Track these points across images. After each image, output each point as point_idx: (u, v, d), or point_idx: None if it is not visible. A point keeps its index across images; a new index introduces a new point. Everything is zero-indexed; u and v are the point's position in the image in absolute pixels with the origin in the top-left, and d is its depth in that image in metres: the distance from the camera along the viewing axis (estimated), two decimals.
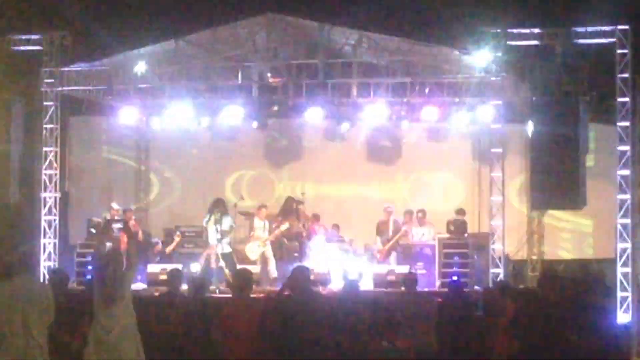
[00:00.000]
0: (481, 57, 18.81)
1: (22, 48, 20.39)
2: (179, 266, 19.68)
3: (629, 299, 18.17)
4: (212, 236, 19.38)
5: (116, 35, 21.43)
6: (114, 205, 21.03)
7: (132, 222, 20.65)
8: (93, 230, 20.77)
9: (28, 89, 21.48)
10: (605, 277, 18.52)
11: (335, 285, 18.47)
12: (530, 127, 18.64)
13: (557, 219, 21.91)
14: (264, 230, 20.34)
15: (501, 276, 18.48)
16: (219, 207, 19.46)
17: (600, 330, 11.31)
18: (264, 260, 20.04)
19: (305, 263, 18.81)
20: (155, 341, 11.87)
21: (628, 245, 18.42)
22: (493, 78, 18.82)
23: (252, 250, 20.23)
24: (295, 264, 18.97)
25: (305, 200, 21.89)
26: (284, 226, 20.49)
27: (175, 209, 23.77)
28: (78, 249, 20.47)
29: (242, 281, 11.03)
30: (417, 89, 20.11)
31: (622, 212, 18.48)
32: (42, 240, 20.07)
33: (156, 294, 15.90)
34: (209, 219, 19.39)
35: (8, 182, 21.57)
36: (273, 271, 19.88)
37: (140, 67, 19.98)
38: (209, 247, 19.71)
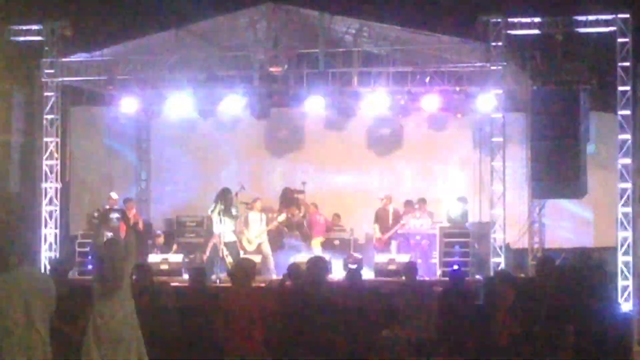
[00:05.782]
0: (482, 46, 18.82)
1: (23, 38, 20.42)
2: (180, 256, 19.81)
3: (630, 287, 18.23)
4: (217, 225, 19.39)
5: (116, 25, 21.44)
6: (113, 195, 21.04)
7: (133, 212, 20.68)
8: (94, 220, 20.80)
9: (28, 80, 21.49)
10: (606, 266, 18.53)
11: (336, 274, 18.48)
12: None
13: (558, 208, 21.88)
14: (260, 223, 20.31)
15: (502, 265, 18.48)
16: (225, 196, 19.45)
17: (602, 318, 11.30)
18: (262, 254, 20.00)
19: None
20: (157, 331, 11.92)
21: (629, 234, 18.47)
22: (494, 67, 18.80)
23: (250, 242, 20.22)
24: (297, 255, 19.26)
25: (305, 189, 21.92)
26: (281, 217, 20.54)
27: (176, 198, 23.76)
28: (79, 239, 20.49)
29: (244, 271, 11.04)
30: (417, 78, 20.09)
31: (623, 201, 18.54)
32: (43, 231, 20.10)
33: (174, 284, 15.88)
34: (215, 208, 19.40)
35: (9, 173, 21.58)
36: (272, 268, 19.86)
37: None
38: (214, 237, 19.75)
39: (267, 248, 20.13)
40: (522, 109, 21.57)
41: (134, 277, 11.87)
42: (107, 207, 20.68)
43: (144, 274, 12.96)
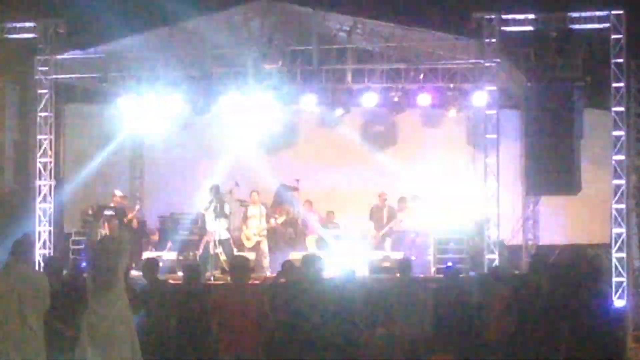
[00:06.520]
0: (476, 43, 18.82)
1: (17, 36, 20.38)
2: (174, 254, 19.79)
3: (624, 283, 18.25)
4: (211, 223, 19.39)
5: (110, 22, 21.39)
6: (117, 192, 21.00)
7: (137, 208, 20.74)
8: (89, 218, 20.77)
9: (22, 77, 21.47)
10: (600, 262, 18.54)
11: (330, 272, 18.46)
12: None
13: (552, 204, 21.90)
14: (260, 216, 20.32)
15: (496, 262, 18.49)
16: (216, 193, 19.47)
17: (596, 314, 11.32)
18: (259, 251, 20.01)
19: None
20: (152, 329, 11.93)
21: (623, 230, 18.50)
22: (488, 64, 18.79)
23: (248, 238, 20.23)
24: (292, 252, 19.26)
25: (299, 187, 21.90)
26: (281, 219, 20.59)
27: (170, 196, 23.70)
28: (73, 236, 20.48)
29: (239, 268, 11.03)
30: (411, 74, 20.09)
31: (616, 198, 18.56)
32: (37, 228, 20.05)
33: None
34: (208, 205, 19.40)
35: (3, 170, 21.56)
36: (266, 265, 19.87)
37: None
38: (207, 234, 19.74)
39: (265, 247, 20.17)
40: (516, 105, 21.61)
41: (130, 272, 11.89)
42: (112, 204, 20.61)
43: (151, 268, 12.95)
